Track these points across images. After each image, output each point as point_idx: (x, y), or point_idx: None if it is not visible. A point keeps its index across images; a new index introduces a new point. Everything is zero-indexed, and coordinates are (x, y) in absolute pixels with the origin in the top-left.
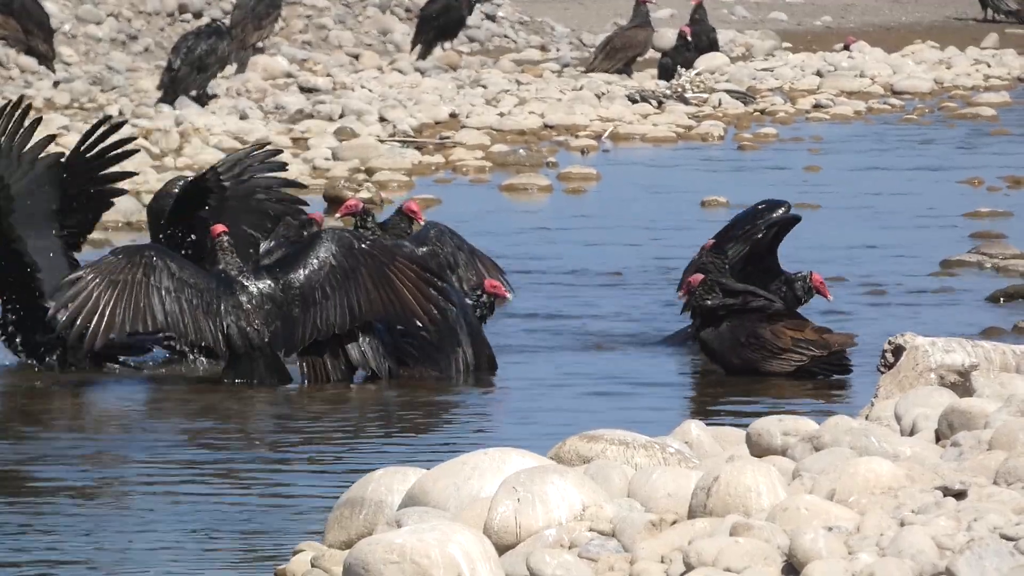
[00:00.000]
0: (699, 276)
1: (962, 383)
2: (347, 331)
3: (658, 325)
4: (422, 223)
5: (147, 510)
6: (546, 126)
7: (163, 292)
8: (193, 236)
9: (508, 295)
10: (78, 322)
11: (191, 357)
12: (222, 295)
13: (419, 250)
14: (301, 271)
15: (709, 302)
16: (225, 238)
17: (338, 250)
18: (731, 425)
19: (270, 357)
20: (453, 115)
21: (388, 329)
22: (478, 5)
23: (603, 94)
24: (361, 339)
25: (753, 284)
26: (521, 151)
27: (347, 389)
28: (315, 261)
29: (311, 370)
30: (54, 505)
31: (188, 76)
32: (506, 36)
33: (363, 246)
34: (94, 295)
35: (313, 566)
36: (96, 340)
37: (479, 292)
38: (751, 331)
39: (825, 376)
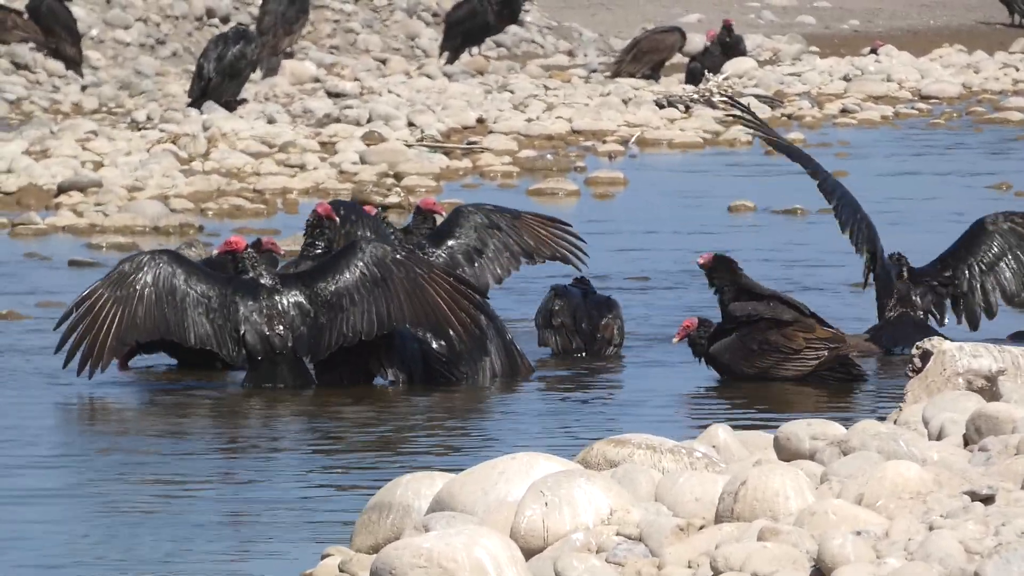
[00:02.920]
0: (694, 319)
1: (989, 388)
2: (371, 339)
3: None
4: (443, 214)
5: (176, 513)
6: (573, 131)
7: (169, 300)
8: None
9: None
10: (83, 346)
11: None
12: (240, 301)
13: (438, 248)
14: (331, 278)
15: (709, 336)
16: (251, 251)
17: (370, 258)
18: (759, 429)
19: (293, 362)
20: (481, 120)
21: (414, 336)
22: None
23: (630, 99)
24: (384, 348)
25: None
26: (548, 156)
27: (375, 393)
28: (346, 268)
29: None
30: (85, 510)
31: (221, 84)
32: (534, 41)
33: (398, 256)
34: (99, 317)
35: (340, 571)
36: (101, 364)
37: None
38: (762, 339)
39: (840, 382)
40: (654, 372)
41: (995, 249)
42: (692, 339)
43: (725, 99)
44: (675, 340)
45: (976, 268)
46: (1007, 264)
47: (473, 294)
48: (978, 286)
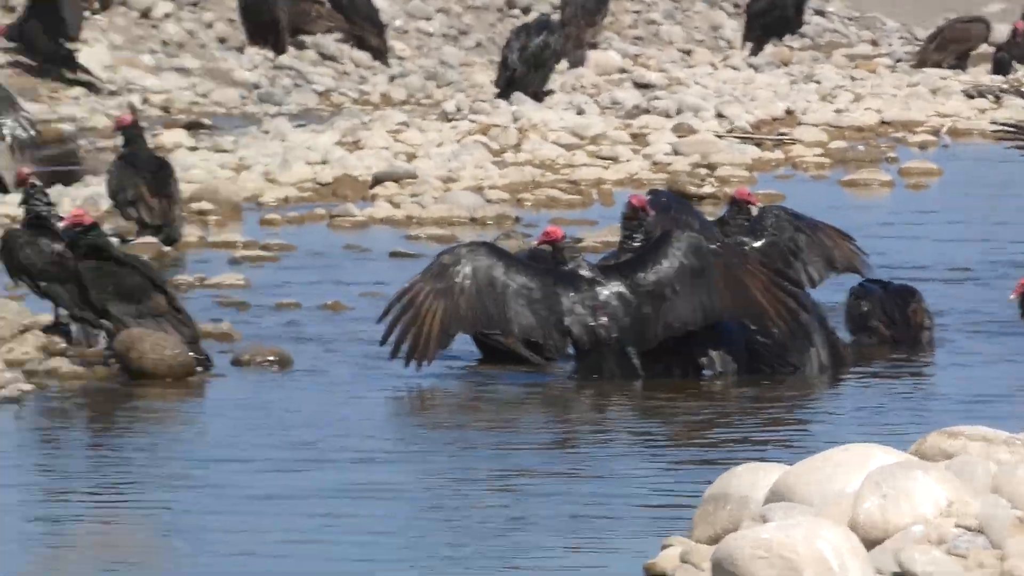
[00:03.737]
0: None
1: None
2: (697, 329)
3: (1009, 320)
4: (758, 205)
5: (513, 508)
6: (883, 122)
7: (489, 291)
8: None
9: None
10: (408, 338)
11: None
12: (564, 293)
13: (756, 243)
14: (649, 268)
15: None
16: (569, 241)
17: (688, 249)
18: None
19: (619, 354)
20: (789, 111)
21: (741, 327)
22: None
23: (938, 89)
24: (710, 339)
25: None
26: (860, 147)
27: (702, 385)
28: (663, 258)
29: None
30: (416, 507)
31: (526, 76)
32: (836, 31)
33: (713, 247)
34: (422, 309)
35: (682, 561)
36: (427, 355)
37: None
38: None
39: None
40: (978, 363)
41: None
42: None
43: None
44: (1011, 296)
45: None
46: None
47: (791, 287)
48: None
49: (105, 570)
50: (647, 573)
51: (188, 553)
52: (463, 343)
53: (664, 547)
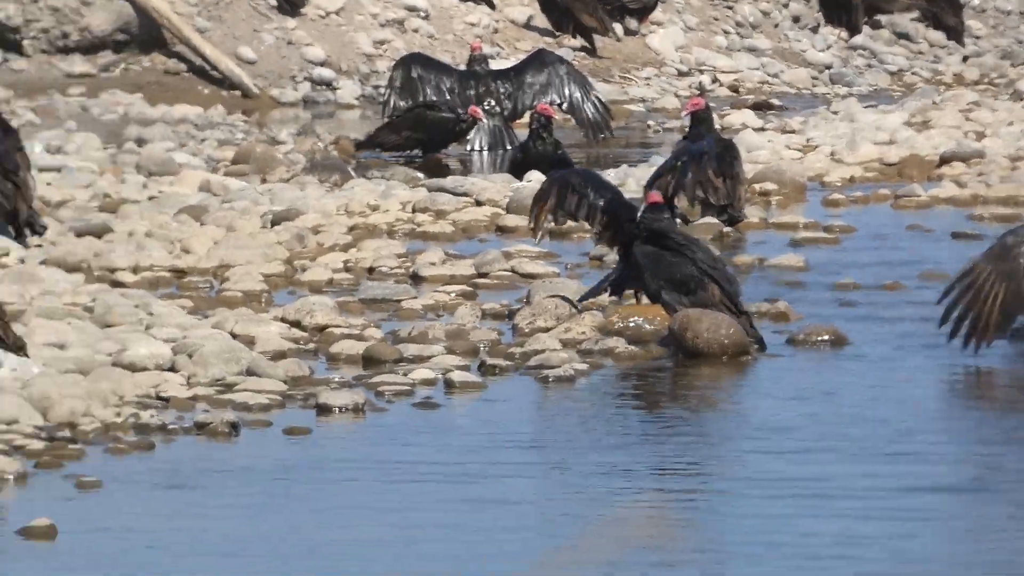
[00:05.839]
0: None
1: None
2: None
3: None
4: None
5: None
6: None
7: None
8: None
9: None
10: (968, 320)
11: None
12: None
13: None
14: None
15: None
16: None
17: None
18: None
19: None
20: None
21: None
22: None
23: None
24: None
25: None
26: None
27: None
28: None
29: None
30: (987, 508)
31: None
32: None
33: None
34: (983, 291)
35: None
36: (986, 338)
37: None
38: None
39: None
40: None
41: None
42: None
43: None
44: None
45: None
46: None
47: None
48: None
49: (617, 562)
50: None
51: (709, 543)
52: None
53: None
